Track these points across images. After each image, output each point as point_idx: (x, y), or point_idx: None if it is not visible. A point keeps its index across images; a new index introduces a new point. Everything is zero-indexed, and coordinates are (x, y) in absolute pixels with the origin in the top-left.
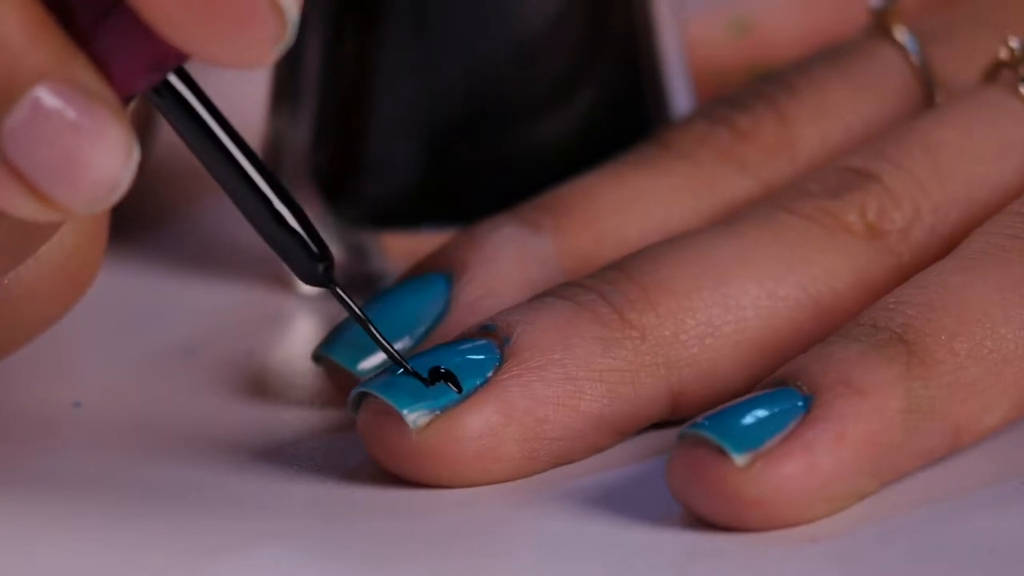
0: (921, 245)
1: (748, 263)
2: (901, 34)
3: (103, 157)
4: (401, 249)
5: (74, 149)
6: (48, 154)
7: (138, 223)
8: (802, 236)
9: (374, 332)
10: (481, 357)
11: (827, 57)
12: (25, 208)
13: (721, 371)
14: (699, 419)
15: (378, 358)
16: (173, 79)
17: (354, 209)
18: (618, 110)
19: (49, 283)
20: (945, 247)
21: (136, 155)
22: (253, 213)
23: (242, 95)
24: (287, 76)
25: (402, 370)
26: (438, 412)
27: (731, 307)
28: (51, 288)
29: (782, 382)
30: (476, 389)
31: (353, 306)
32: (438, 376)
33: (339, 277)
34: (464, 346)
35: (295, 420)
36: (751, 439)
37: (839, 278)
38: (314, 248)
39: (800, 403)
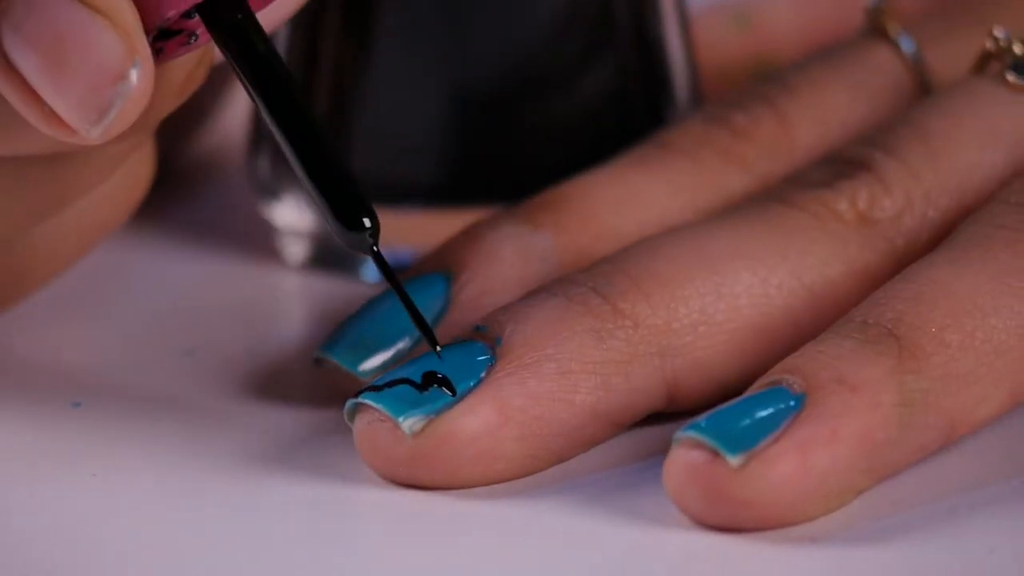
0: (913, 232)
1: (741, 253)
2: (897, 35)
3: (98, 46)
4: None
5: (65, 32)
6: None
7: (137, 223)
8: (795, 226)
9: (411, 305)
10: (473, 359)
11: (824, 57)
12: (26, 111)
13: (716, 360)
14: (693, 421)
15: (379, 359)
16: (230, 27)
17: None
18: (621, 102)
19: (107, 196)
20: (937, 233)
21: (144, 71)
22: (295, 165)
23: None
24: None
25: (396, 378)
26: (433, 416)
27: (724, 295)
28: (109, 198)
29: (775, 381)
30: (470, 390)
31: (392, 276)
32: (432, 381)
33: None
34: (456, 349)
35: (295, 420)
36: (745, 439)
37: (832, 266)
38: (345, 218)
39: (792, 402)
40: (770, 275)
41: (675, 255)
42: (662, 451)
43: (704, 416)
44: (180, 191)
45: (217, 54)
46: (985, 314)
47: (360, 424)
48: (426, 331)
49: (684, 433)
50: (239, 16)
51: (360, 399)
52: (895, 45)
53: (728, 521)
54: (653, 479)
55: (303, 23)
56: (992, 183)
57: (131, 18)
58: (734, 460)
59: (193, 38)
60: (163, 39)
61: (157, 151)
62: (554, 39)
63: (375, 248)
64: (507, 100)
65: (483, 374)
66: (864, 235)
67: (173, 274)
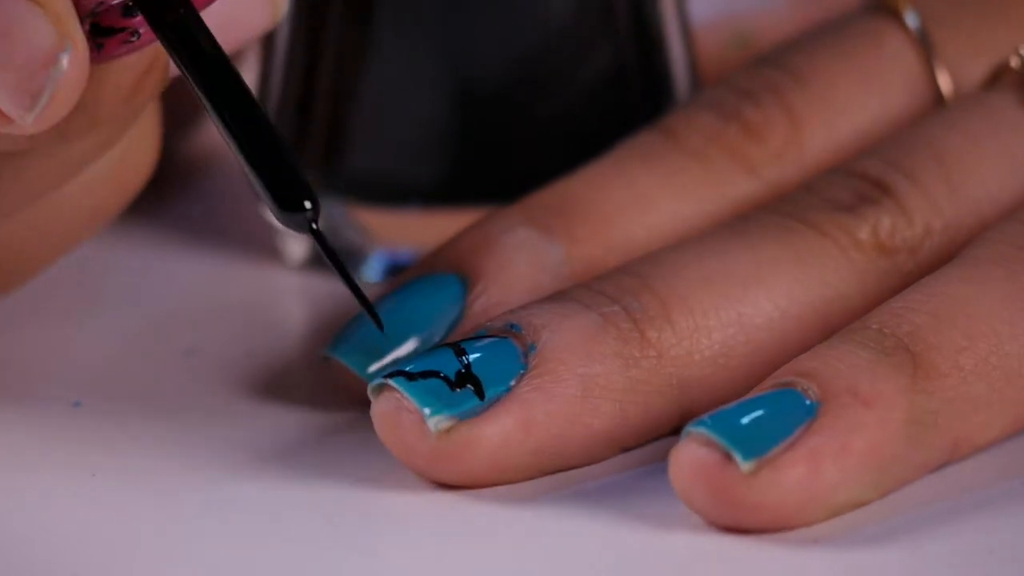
0: (928, 263)
1: (762, 279)
2: (907, 15)
3: (29, 31)
4: (379, 225)
5: None
6: None
7: (137, 223)
8: (816, 253)
9: (355, 284)
10: (505, 361)
11: (832, 41)
12: None
13: (731, 389)
14: (704, 416)
15: (387, 361)
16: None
17: (338, 179)
18: (621, 97)
19: (102, 182)
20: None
21: (76, 56)
22: (235, 150)
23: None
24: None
25: (430, 369)
26: (459, 418)
27: (745, 327)
28: (104, 184)
29: (788, 383)
30: (498, 398)
31: (335, 256)
32: (465, 380)
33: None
34: (488, 344)
35: (295, 421)
36: (758, 444)
37: (849, 298)
38: (283, 200)
39: (807, 407)
40: (790, 306)
41: (702, 279)
42: (664, 452)
43: (714, 412)
44: (180, 190)
45: (174, 69)
46: (1001, 340)
47: (385, 405)
48: (371, 311)
49: (695, 428)
50: (180, 12)
51: (391, 382)
52: (905, 27)
53: (733, 521)
54: (658, 481)
55: (304, 23)
56: (1008, 213)
57: (62, 3)
58: (746, 466)
59: (135, 36)
60: (103, 35)
61: (161, 142)
62: (554, 34)
63: (314, 226)
64: (506, 97)
65: (513, 382)
66: (882, 266)
67: (173, 274)
